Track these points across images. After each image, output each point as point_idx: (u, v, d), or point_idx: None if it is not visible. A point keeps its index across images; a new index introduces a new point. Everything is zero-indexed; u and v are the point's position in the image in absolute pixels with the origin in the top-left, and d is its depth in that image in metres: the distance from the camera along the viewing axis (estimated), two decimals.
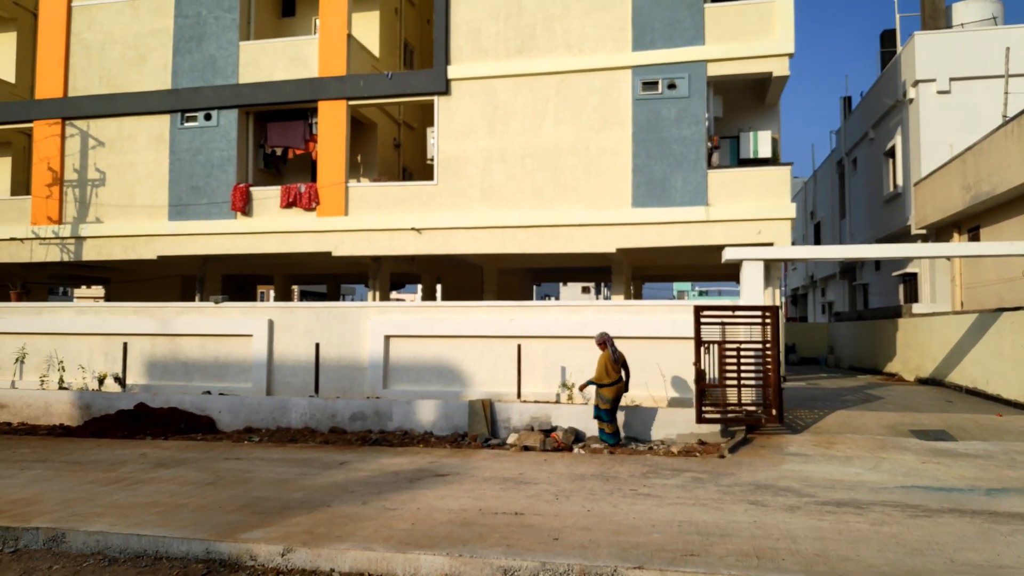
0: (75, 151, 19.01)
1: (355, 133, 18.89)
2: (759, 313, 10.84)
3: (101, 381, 14.04)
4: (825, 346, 26.60)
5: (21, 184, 21.49)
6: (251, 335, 13.95)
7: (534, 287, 32.91)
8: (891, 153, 21.84)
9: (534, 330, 12.77)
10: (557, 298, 63.66)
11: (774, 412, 10.63)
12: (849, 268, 28.15)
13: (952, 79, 19.01)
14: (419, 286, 27.81)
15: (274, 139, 18.67)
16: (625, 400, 11.24)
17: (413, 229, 16.97)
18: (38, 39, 19.46)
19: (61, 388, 14.14)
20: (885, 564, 5.38)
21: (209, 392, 13.65)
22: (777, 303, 14.74)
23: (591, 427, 11.01)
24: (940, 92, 19.11)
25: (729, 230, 15.46)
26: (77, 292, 44.04)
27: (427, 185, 17.20)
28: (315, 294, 42.19)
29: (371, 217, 17.27)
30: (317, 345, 13.64)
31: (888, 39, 25.42)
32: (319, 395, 13.37)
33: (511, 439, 10.91)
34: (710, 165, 15.79)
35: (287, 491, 7.82)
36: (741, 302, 11.65)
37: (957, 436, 10.41)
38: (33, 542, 6.40)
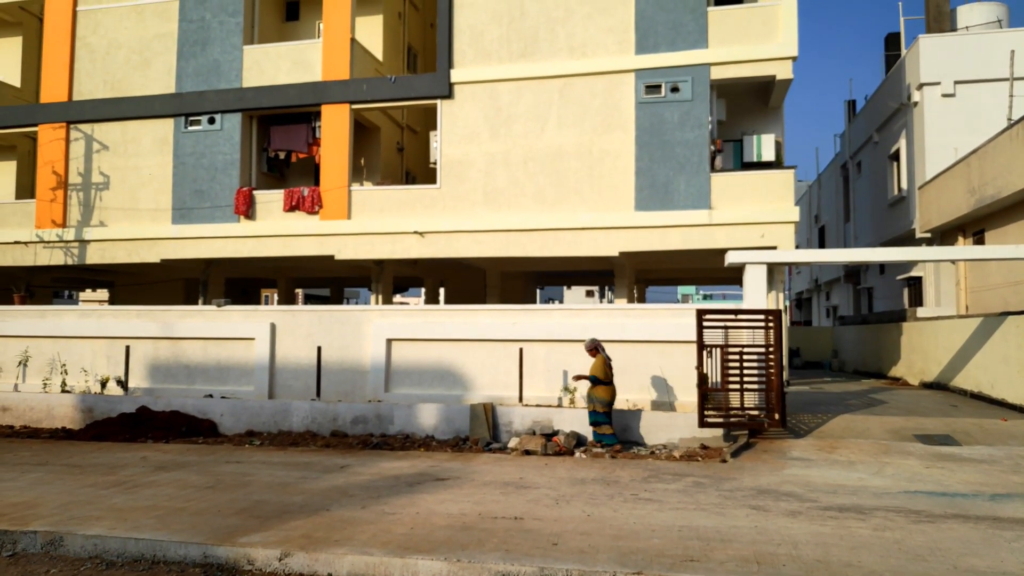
0: (79, 155, 19.07)
1: (358, 137, 18.91)
2: (762, 317, 10.79)
3: (103, 384, 14.06)
4: (829, 350, 26.51)
5: (26, 188, 21.57)
6: (253, 338, 13.97)
7: (537, 290, 32.89)
8: (896, 156, 21.76)
9: (536, 334, 12.75)
10: (561, 301, 63.62)
11: (777, 416, 10.58)
12: (854, 272, 28.05)
13: (957, 82, 18.94)
14: (422, 289, 27.82)
15: (277, 143, 18.70)
16: (627, 404, 11.20)
17: (416, 232, 16.97)
18: (43, 43, 19.56)
19: (64, 391, 14.16)
20: (887, 570, 5.33)
21: (211, 395, 13.65)
22: (780, 307, 14.67)
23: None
24: (945, 95, 19.03)
25: (732, 233, 15.41)
26: (82, 295, 44.19)
27: (430, 188, 17.20)
28: (319, 297, 42.21)
29: (374, 221, 17.27)
30: (319, 348, 13.64)
31: (892, 42, 25.37)
32: (321, 399, 13.37)
33: (512, 443, 10.88)
34: (713, 168, 15.74)
35: (286, 495, 7.81)
36: (744, 306, 11.60)
37: (961, 441, 10.34)
38: (31, 545, 6.39)
